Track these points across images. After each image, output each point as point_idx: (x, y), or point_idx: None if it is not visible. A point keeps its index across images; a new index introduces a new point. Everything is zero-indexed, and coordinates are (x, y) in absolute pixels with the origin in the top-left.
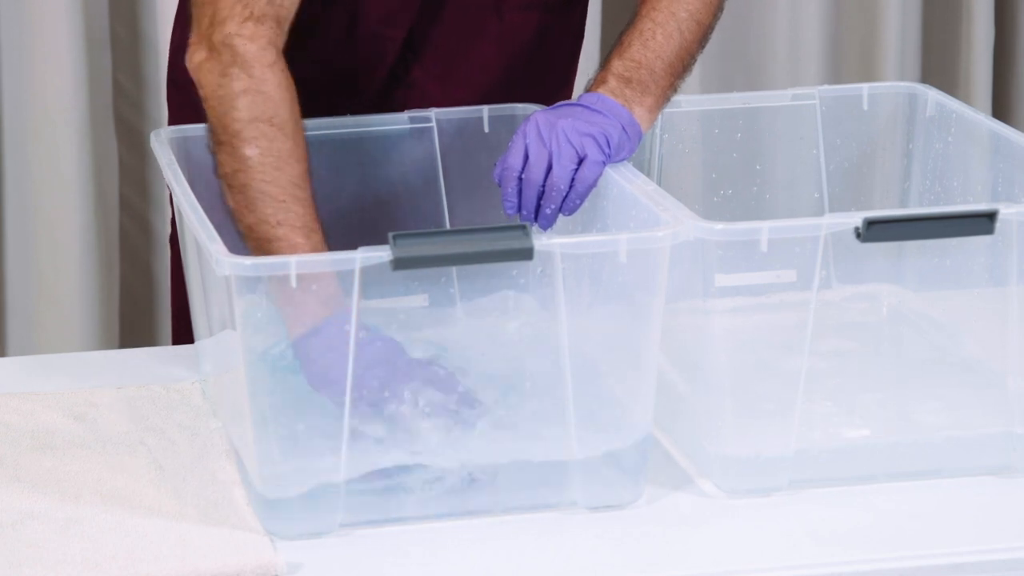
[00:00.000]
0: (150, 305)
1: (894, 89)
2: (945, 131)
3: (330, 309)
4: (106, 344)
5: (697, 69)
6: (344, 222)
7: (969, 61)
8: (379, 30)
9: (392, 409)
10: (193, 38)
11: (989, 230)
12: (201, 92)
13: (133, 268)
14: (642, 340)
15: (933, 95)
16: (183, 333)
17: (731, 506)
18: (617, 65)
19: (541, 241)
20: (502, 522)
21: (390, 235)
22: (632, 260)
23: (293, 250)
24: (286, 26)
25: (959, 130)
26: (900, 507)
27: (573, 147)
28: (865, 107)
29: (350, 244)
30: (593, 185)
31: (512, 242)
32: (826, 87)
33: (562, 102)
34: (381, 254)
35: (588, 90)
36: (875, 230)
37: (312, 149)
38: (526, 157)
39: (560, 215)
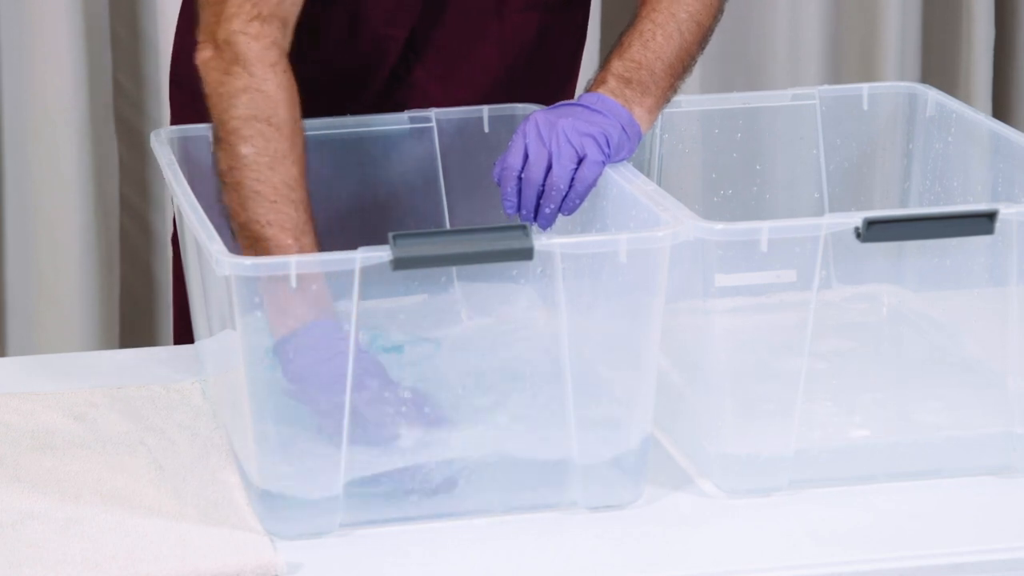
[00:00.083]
0: (150, 305)
1: (894, 89)
2: (945, 131)
3: (315, 313)
4: (106, 344)
5: (697, 70)
6: (344, 222)
7: (969, 61)
8: (381, 30)
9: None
10: (200, 35)
11: (989, 230)
12: (205, 89)
13: (133, 268)
14: (642, 340)
15: (933, 95)
16: (184, 332)
17: (731, 506)
18: (617, 65)
19: (541, 241)
20: (502, 522)
21: (390, 235)
22: (632, 260)
23: (281, 251)
24: (291, 27)
25: (959, 130)
26: (900, 507)
27: (573, 147)
28: (865, 107)
29: (350, 244)
30: (593, 185)
31: (512, 242)
32: (826, 87)
33: (562, 102)
34: (381, 254)
35: (588, 90)
36: (875, 230)
37: (312, 149)
38: (526, 157)
39: (560, 215)
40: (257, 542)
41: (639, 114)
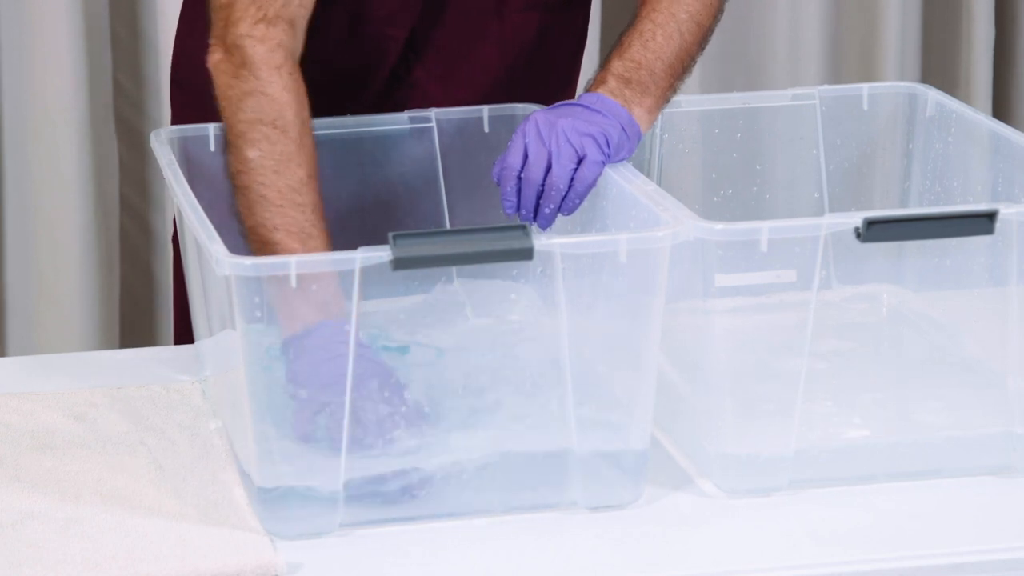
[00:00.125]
0: (150, 305)
1: (894, 89)
2: (945, 131)
3: (325, 313)
4: (106, 344)
5: (697, 70)
6: (344, 222)
7: (969, 61)
8: (381, 30)
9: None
10: (211, 38)
11: (989, 230)
12: (215, 92)
13: (133, 268)
14: (642, 340)
15: (933, 95)
16: (185, 332)
17: (731, 506)
18: (617, 66)
19: (541, 241)
20: (502, 522)
21: (390, 235)
22: (632, 260)
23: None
24: (301, 28)
25: (959, 130)
26: (900, 507)
27: (572, 147)
28: (865, 107)
29: (350, 244)
30: (592, 185)
31: (512, 242)
32: (826, 87)
33: (562, 102)
34: (381, 254)
35: (588, 90)
36: (875, 230)
37: None
38: (525, 156)
39: (559, 215)
40: (257, 542)
41: (639, 114)
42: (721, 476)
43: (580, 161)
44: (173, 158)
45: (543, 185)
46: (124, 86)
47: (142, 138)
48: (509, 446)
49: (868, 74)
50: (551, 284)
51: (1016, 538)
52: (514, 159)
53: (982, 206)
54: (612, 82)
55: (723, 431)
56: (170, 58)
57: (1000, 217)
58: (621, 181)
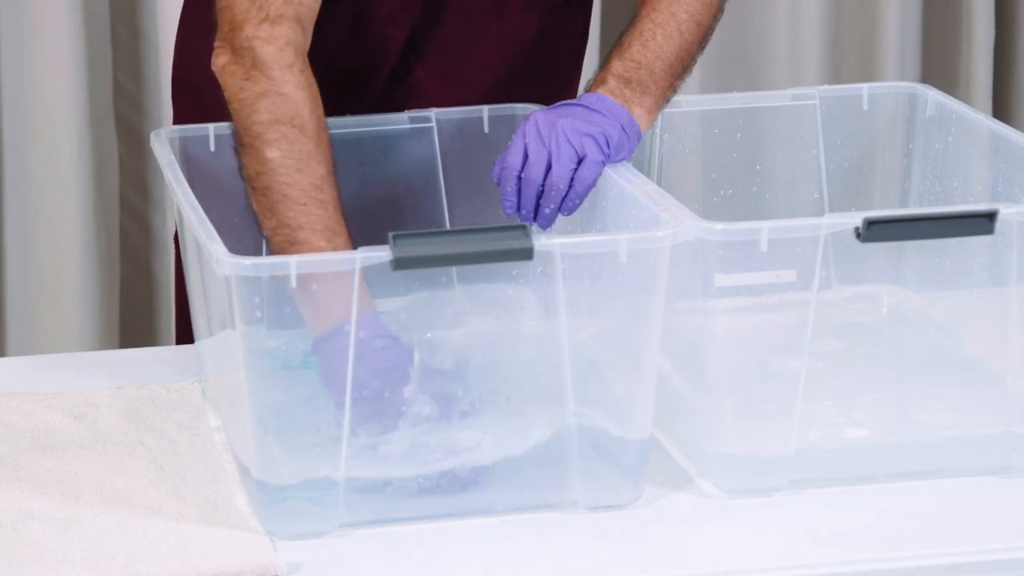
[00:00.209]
0: (150, 305)
1: (894, 89)
2: (945, 131)
3: (350, 312)
4: (106, 344)
5: (697, 69)
6: (345, 218)
7: (969, 61)
8: (382, 29)
9: (391, 415)
10: (217, 41)
11: (989, 230)
12: (225, 95)
13: (133, 268)
14: (642, 340)
15: (933, 95)
16: (187, 332)
17: (731, 506)
18: (617, 65)
19: (541, 241)
20: (502, 522)
21: (390, 235)
22: (632, 260)
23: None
24: (308, 24)
25: (959, 130)
26: (900, 507)
27: (572, 147)
28: (865, 107)
29: (351, 241)
30: (592, 185)
31: (512, 242)
32: (826, 87)
33: (562, 102)
34: (381, 254)
35: (588, 90)
36: (875, 230)
37: None
38: (525, 156)
39: (560, 215)
40: (257, 542)
41: (639, 114)
42: (721, 476)
43: (580, 161)
44: (173, 158)
45: (543, 185)
46: (124, 86)
47: (142, 138)
48: (509, 445)
49: (868, 74)
50: (551, 284)
51: (1016, 538)
52: (514, 159)
53: (982, 206)
54: (612, 82)
55: (723, 431)
56: (170, 58)
57: (1000, 217)
58: (621, 181)
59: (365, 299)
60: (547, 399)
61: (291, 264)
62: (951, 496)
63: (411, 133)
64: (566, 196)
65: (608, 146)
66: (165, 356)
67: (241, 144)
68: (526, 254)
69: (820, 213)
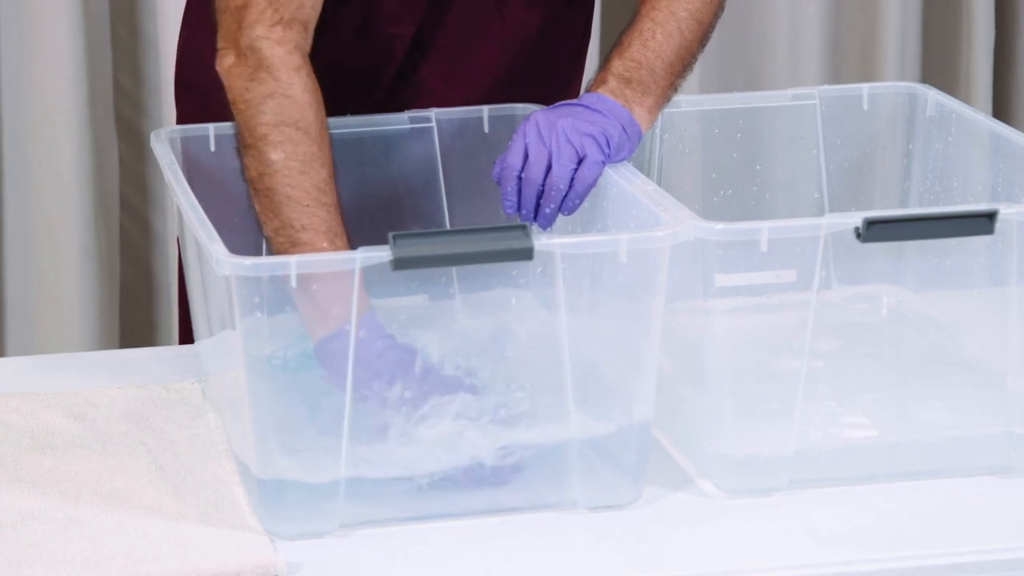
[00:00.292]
0: (150, 305)
1: (894, 89)
2: (945, 131)
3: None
4: (106, 344)
5: (697, 69)
6: (344, 222)
7: (969, 61)
8: (389, 29)
9: (393, 414)
10: (221, 42)
11: (989, 230)
12: (229, 95)
13: (133, 268)
14: (642, 340)
15: (933, 95)
16: (190, 332)
17: (731, 506)
18: (617, 65)
19: (541, 241)
20: (502, 522)
21: (390, 235)
22: (632, 260)
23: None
24: (311, 30)
25: (959, 130)
26: (900, 507)
27: (573, 147)
28: (865, 107)
29: (350, 244)
30: (592, 185)
31: (512, 242)
32: (826, 87)
33: (562, 102)
34: (381, 254)
35: (588, 90)
36: (875, 230)
37: None
38: (526, 156)
39: (560, 215)
40: (257, 542)
41: (639, 114)
42: (721, 476)
43: (580, 161)
44: (173, 158)
45: (543, 185)
46: (124, 86)
47: (142, 138)
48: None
49: (868, 74)
50: (551, 284)
51: (1016, 538)
52: (514, 159)
53: (982, 206)
54: (612, 82)
55: (723, 431)
56: (170, 58)
57: (1000, 217)
58: (621, 181)
59: (364, 299)
60: (547, 399)
61: (291, 264)
62: (951, 496)
63: (411, 133)
64: (566, 196)
65: (608, 146)
66: (165, 356)
67: (244, 145)
68: (526, 254)
69: (820, 213)
